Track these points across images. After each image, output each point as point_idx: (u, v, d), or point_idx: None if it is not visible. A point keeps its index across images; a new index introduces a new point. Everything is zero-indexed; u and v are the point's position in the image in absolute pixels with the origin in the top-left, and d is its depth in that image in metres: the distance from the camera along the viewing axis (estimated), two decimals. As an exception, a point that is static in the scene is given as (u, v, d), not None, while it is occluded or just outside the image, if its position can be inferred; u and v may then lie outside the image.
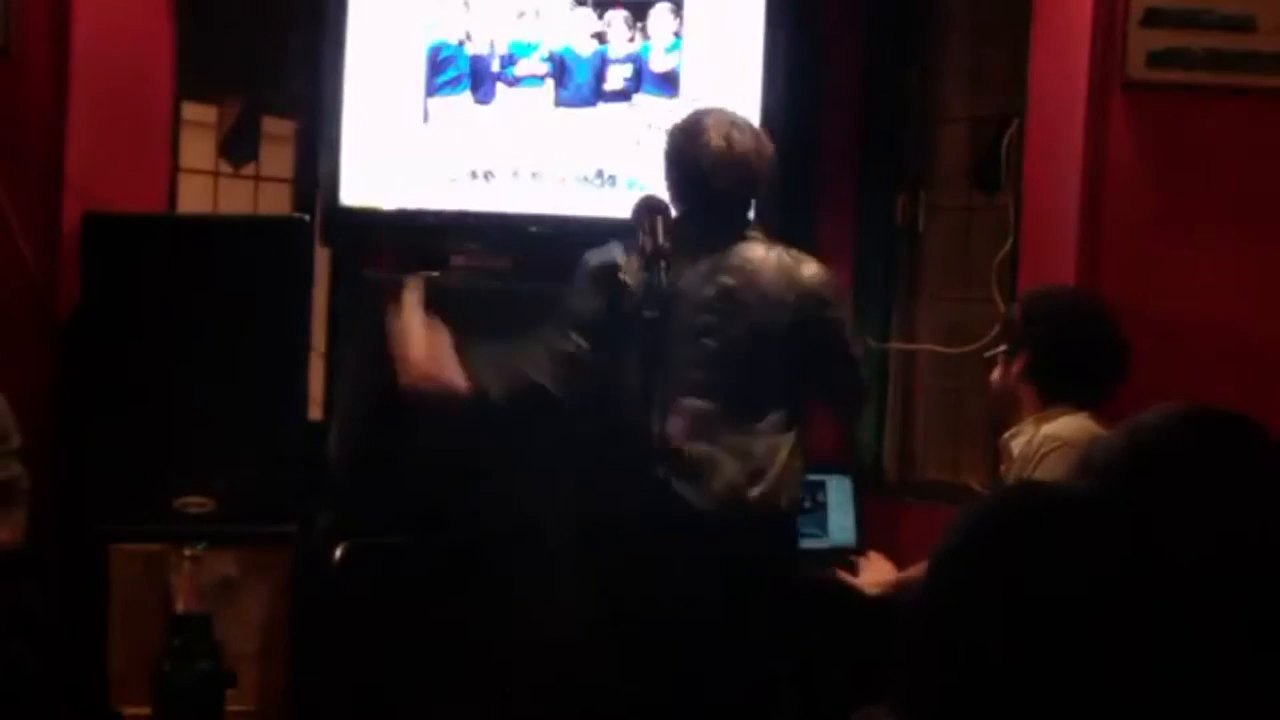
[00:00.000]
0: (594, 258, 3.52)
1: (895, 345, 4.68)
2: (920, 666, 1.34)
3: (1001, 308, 4.18)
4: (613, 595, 3.38)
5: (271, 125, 4.41)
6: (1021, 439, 3.31)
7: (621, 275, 3.43)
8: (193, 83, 4.24)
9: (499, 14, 4.22)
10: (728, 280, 3.48)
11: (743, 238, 3.55)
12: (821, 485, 4.37)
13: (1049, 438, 3.22)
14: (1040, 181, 4.12)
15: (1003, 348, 3.46)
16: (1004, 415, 3.44)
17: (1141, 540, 1.36)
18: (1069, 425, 3.23)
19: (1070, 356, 3.33)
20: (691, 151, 3.54)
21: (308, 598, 3.79)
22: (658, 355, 3.23)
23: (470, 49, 4.20)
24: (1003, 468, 3.40)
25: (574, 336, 3.48)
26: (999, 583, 1.32)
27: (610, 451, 3.42)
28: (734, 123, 3.58)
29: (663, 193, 3.57)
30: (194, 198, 4.27)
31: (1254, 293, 3.92)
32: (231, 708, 3.16)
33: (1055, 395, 3.32)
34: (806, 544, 4.25)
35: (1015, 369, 3.38)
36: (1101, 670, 1.29)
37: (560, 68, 4.22)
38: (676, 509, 3.35)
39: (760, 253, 3.54)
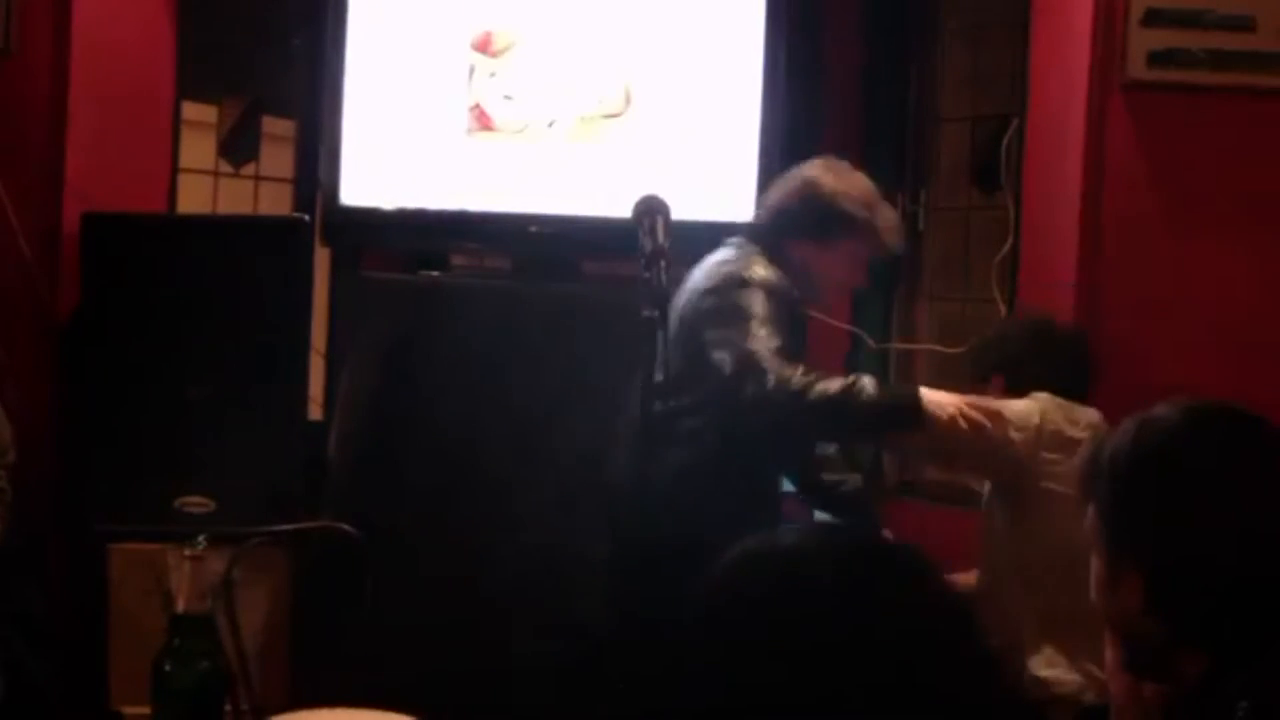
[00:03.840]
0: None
1: (895, 345, 4.68)
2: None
3: (1002, 308, 4.20)
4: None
5: (271, 125, 4.41)
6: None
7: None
8: (193, 83, 4.24)
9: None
10: None
11: None
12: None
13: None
14: (1040, 181, 4.13)
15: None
16: None
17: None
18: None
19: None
20: None
21: (308, 598, 3.79)
22: (658, 356, 3.21)
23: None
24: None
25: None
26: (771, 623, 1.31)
27: None
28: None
29: (661, 191, 3.56)
30: (194, 198, 4.26)
31: (1254, 291, 3.92)
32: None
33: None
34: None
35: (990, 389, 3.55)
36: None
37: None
38: None
39: None
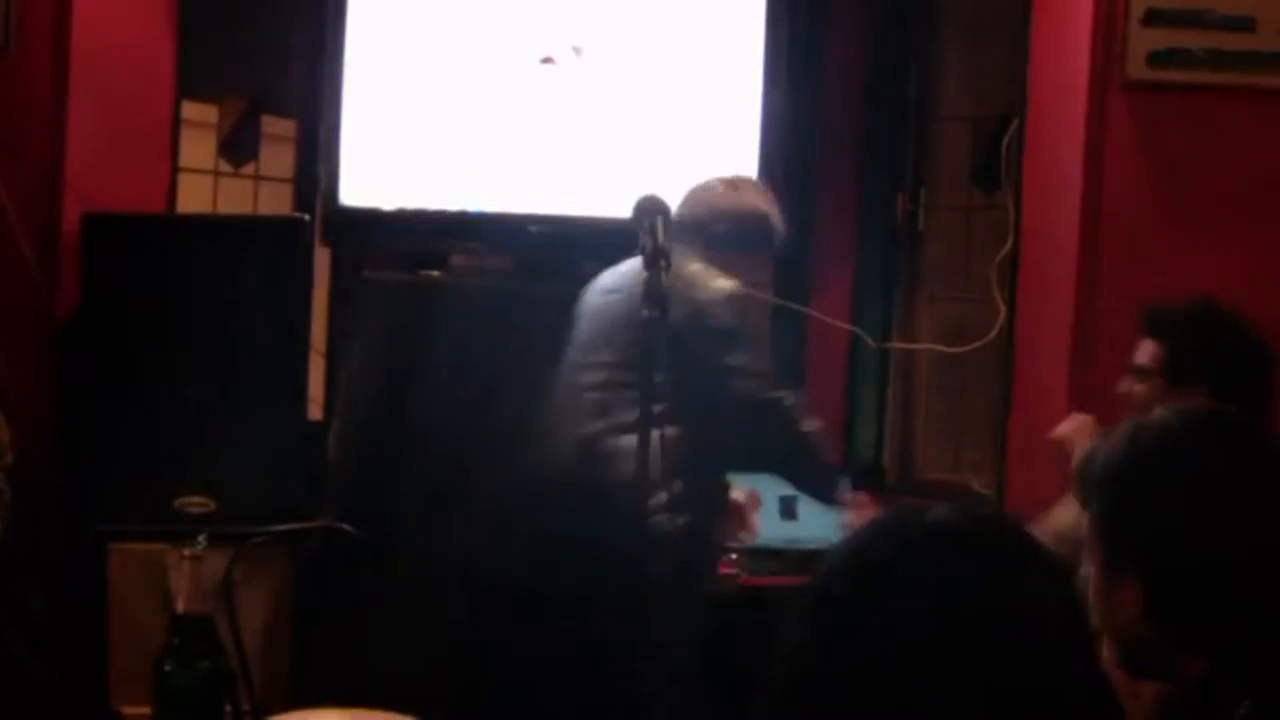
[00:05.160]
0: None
1: (895, 345, 4.68)
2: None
3: (1001, 308, 4.19)
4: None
5: (271, 125, 4.41)
6: None
7: None
8: (193, 83, 4.24)
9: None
10: None
11: None
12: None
13: None
14: (1040, 181, 4.13)
15: (1142, 364, 3.32)
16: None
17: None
18: None
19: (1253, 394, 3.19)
20: None
21: (308, 597, 3.79)
22: (658, 356, 3.22)
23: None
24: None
25: None
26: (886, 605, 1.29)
27: None
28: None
29: (662, 191, 3.56)
30: (194, 198, 4.26)
31: (1254, 292, 3.91)
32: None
33: None
34: (805, 544, 4.26)
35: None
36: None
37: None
38: None
39: None
